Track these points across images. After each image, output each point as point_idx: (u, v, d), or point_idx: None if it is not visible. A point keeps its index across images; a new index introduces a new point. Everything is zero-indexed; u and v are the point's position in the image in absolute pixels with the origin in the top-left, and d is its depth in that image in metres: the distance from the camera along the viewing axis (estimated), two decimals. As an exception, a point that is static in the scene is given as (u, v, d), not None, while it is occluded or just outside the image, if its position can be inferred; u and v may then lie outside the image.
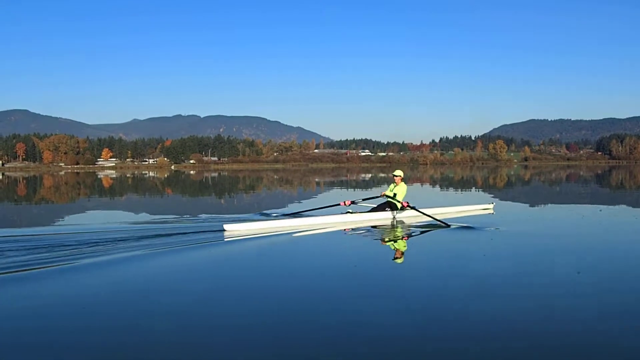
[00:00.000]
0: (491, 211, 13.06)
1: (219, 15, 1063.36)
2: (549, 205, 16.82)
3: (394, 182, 12.14)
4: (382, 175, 56.21)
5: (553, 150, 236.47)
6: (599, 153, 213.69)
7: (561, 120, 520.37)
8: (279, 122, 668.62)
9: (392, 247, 8.18)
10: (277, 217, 11.13)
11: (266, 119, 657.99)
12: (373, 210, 11.60)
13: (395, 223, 10.88)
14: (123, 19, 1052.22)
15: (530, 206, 16.44)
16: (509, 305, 4.77)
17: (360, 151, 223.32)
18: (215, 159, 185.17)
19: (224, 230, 9.28)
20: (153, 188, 31.07)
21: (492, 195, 20.37)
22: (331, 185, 32.73)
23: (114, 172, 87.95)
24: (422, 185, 31.47)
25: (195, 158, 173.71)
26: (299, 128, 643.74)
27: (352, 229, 9.93)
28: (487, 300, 4.95)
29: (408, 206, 11.35)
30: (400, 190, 11.83)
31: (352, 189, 27.29)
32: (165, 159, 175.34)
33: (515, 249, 7.82)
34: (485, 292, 5.22)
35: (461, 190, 25.57)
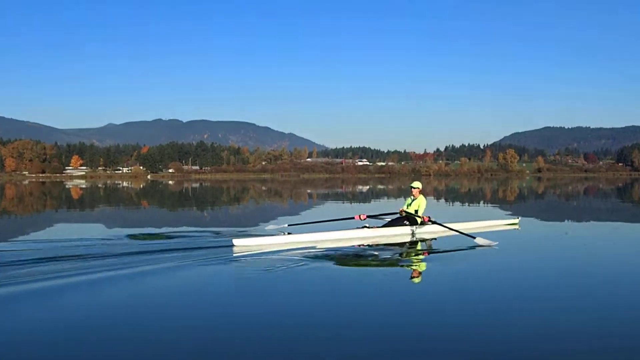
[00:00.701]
0: (517, 227, 13.25)
1: (204, 7, 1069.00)
2: (581, 222, 16.91)
3: (411, 195, 12.19)
4: (381, 187, 56.30)
5: (569, 161, 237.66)
6: (620, 164, 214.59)
7: (579, 128, 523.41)
8: (269, 128, 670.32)
9: (413, 267, 8.22)
10: (288, 231, 11.23)
11: (255, 125, 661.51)
12: (389, 224, 11.67)
13: (415, 239, 11.06)
14: (97, 11, 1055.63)
15: (553, 221, 16.60)
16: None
17: (357, 160, 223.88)
18: (197, 167, 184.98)
19: (233, 245, 9.48)
20: (127, 200, 30.99)
21: (509, 212, 20.46)
22: (325, 197, 32.76)
23: (83, 181, 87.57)
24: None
25: (174, 167, 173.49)
26: (290, 135, 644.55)
27: (369, 245, 10.06)
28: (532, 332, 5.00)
29: (429, 221, 11.48)
30: (420, 205, 11.87)
31: (349, 202, 27.36)
32: (141, 167, 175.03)
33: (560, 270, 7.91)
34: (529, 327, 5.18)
35: (469, 204, 25.67)
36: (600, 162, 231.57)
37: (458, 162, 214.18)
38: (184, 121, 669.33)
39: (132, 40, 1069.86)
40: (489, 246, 9.77)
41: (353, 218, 11.96)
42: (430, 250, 9.81)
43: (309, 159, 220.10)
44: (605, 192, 41.81)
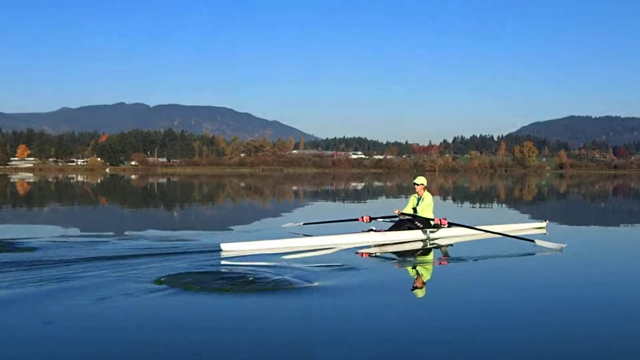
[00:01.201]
0: (544, 231, 13.42)
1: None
2: (614, 227, 17.09)
3: (414, 193, 12.10)
4: (378, 184, 56.30)
5: (597, 156, 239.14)
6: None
7: (608, 118, 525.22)
8: (250, 115, 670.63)
9: (436, 278, 8.26)
10: (284, 234, 11.54)
11: (234, 111, 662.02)
12: (396, 227, 11.66)
13: (429, 245, 11.14)
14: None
15: (580, 226, 16.64)
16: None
17: (351, 153, 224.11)
18: (164, 160, 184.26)
19: (221, 250, 9.60)
20: (82, 197, 30.70)
21: (529, 215, 20.46)
22: (314, 196, 32.62)
23: (31, 174, 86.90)
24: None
25: (137, 159, 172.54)
26: (275, 123, 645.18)
27: (375, 254, 10.15)
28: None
29: (448, 224, 11.48)
30: (426, 205, 11.79)
31: (341, 201, 27.30)
32: (99, 159, 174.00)
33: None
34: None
35: (480, 205, 25.67)
36: (632, 157, 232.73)
37: (468, 155, 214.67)
38: (151, 106, 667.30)
39: (90, 14, 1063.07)
40: (559, 250, 10.15)
41: (357, 220, 12.23)
42: (448, 259, 9.88)
43: (295, 151, 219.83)
44: (638, 192, 42.05)
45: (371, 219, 12.12)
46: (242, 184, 52.20)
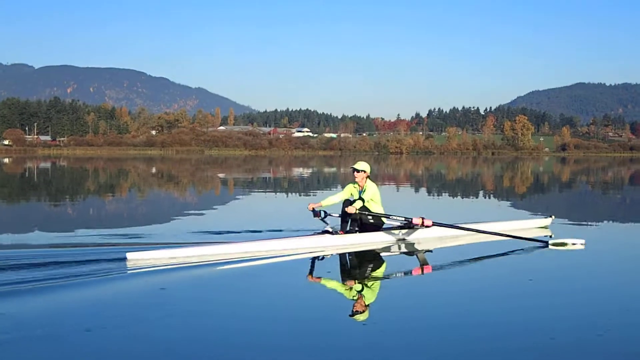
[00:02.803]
0: (547, 231, 13.64)
1: None
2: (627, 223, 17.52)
3: (354, 182, 12.11)
4: (330, 170, 56.52)
5: (610, 134, 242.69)
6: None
7: (625, 86, 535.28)
8: (167, 80, 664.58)
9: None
10: (205, 241, 11.54)
11: (146, 74, 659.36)
12: (354, 225, 11.66)
13: (403, 250, 11.40)
14: None
15: (583, 223, 16.92)
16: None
17: (295, 130, 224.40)
18: (48, 138, 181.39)
19: (126, 259, 9.62)
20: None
21: (522, 211, 20.79)
22: (249, 186, 32.57)
23: None
24: (396, 188, 31.72)
25: (11, 136, 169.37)
26: (199, 90, 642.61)
27: (330, 258, 10.48)
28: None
29: (433, 224, 11.61)
30: (372, 197, 11.82)
31: (284, 192, 27.33)
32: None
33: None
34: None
35: (460, 199, 25.94)
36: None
37: (445, 133, 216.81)
38: (37, 67, 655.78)
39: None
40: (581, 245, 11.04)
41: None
42: (427, 266, 9.99)
43: (221, 127, 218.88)
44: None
45: (314, 211, 11.86)
46: (153, 170, 51.71)
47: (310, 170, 55.61)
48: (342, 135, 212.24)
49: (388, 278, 9.27)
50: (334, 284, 8.66)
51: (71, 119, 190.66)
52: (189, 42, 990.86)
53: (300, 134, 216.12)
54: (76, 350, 5.69)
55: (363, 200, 11.66)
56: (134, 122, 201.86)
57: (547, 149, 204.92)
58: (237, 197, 25.80)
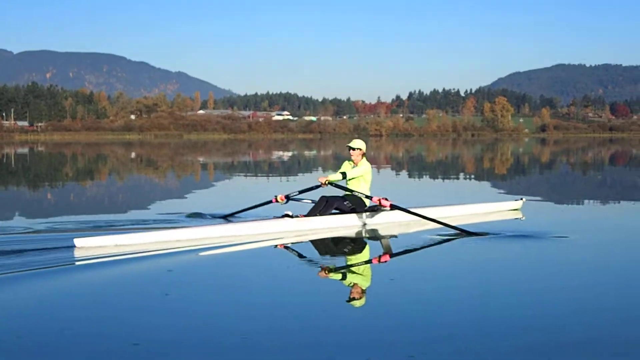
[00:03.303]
0: (519, 213, 13.45)
1: None
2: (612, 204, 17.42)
3: (350, 159, 12.04)
4: (309, 153, 56.49)
5: (590, 114, 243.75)
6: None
7: (606, 67, 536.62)
8: (148, 65, 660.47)
9: (357, 280, 8.02)
10: (168, 225, 11.30)
11: (126, 59, 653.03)
12: (318, 209, 11.37)
13: (364, 235, 11.07)
14: None
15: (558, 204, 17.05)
16: None
17: (275, 113, 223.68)
18: (25, 123, 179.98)
19: (75, 247, 9.23)
20: None
21: (497, 192, 20.96)
22: (228, 170, 32.56)
23: None
24: (377, 170, 31.89)
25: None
26: (180, 74, 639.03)
27: (290, 245, 10.17)
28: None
29: (391, 206, 11.12)
30: (359, 175, 11.67)
31: (265, 175, 27.34)
32: None
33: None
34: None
35: (437, 180, 26.07)
36: (635, 117, 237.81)
37: (425, 115, 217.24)
38: (15, 52, 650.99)
39: None
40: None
41: (271, 202, 12.11)
42: (391, 254, 9.52)
43: (201, 111, 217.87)
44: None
45: (287, 198, 11.79)
46: (132, 155, 51.54)
47: (291, 152, 55.60)
48: (322, 118, 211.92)
49: (351, 265, 8.93)
50: (295, 269, 8.56)
51: (49, 104, 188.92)
52: (168, 26, 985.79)
53: (280, 117, 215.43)
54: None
55: (345, 175, 11.53)
56: (113, 107, 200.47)
57: (526, 130, 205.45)
58: (218, 181, 25.75)
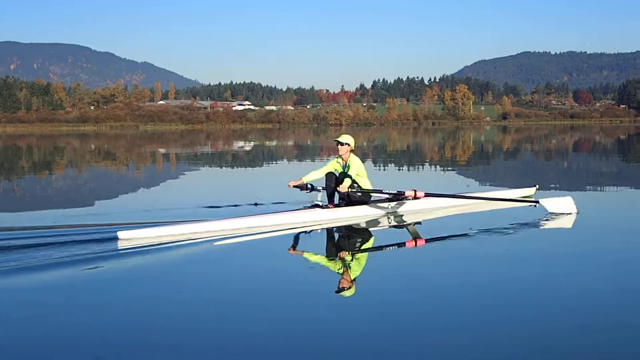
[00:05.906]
0: (533, 201, 13.11)
1: None
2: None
3: (338, 156, 11.99)
4: (270, 143, 56.37)
5: (553, 102, 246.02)
6: (623, 107, 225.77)
7: (570, 55, 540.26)
8: (113, 55, 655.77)
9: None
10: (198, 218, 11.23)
11: (91, 49, 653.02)
12: (348, 200, 11.64)
13: (392, 223, 11.40)
14: None
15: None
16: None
17: (236, 103, 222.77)
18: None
19: (118, 239, 9.45)
20: None
21: (482, 182, 20.97)
22: (193, 161, 32.37)
23: None
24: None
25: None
26: (146, 65, 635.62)
27: (324, 232, 10.60)
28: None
29: (426, 195, 11.71)
30: (357, 171, 11.71)
31: (229, 167, 27.22)
32: None
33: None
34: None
35: (406, 167, 26.09)
36: (597, 104, 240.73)
37: (386, 105, 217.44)
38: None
39: None
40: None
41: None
42: (415, 237, 10.01)
43: (161, 102, 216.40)
44: (605, 147, 44.02)
45: (311, 186, 11.90)
46: (93, 147, 51.26)
47: (250, 143, 55.51)
48: (284, 107, 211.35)
49: (378, 250, 9.22)
50: (320, 258, 8.65)
51: (4, 95, 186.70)
52: (134, 16, 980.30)
53: (242, 107, 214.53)
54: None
55: (350, 177, 11.51)
56: (70, 98, 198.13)
57: (488, 118, 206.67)
58: (184, 172, 25.53)
